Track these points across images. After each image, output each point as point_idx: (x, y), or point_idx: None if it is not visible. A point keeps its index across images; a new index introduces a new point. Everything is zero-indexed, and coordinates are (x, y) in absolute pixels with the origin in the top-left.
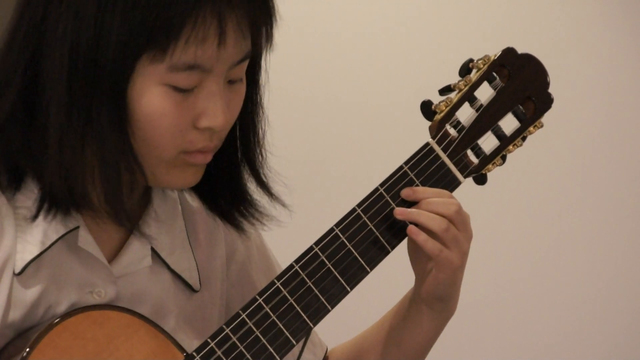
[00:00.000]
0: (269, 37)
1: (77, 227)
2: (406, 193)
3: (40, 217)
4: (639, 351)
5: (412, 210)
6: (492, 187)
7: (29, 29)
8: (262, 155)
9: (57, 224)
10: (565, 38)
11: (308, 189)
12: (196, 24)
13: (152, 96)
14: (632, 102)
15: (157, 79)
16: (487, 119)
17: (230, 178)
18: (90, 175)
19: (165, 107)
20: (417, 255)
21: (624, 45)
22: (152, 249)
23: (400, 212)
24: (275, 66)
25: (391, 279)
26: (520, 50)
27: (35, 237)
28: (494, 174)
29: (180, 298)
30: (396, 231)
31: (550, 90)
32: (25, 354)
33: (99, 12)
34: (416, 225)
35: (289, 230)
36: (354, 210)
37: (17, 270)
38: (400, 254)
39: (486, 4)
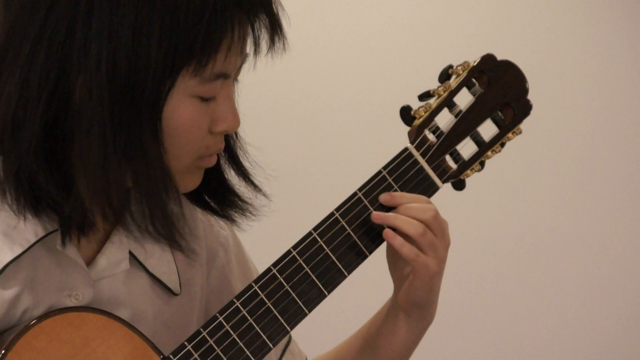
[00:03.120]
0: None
1: (56, 230)
2: (384, 198)
3: (20, 220)
4: (626, 350)
5: (389, 214)
6: (472, 192)
7: (51, 51)
8: (243, 148)
9: (37, 227)
10: (549, 41)
11: (288, 186)
12: (233, 38)
13: (183, 109)
14: (614, 107)
15: (189, 92)
16: (466, 124)
17: (215, 172)
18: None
19: (193, 117)
20: (395, 261)
21: (609, 47)
22: (131, 253)
23: (377, 216)
24: (260, 65)
25: (376, 286)
26: (501, 55)
27: (12, 238)
28: (473, 179)
29: (158, 302)
30: (374, 236)
31: (530, 95)
32: (0, 356)
33: (135, 33)
34: (394, 230)
35: (267, 229)
36: (332, 214)
37: None
38: (384, 261)
39: (467, 10)
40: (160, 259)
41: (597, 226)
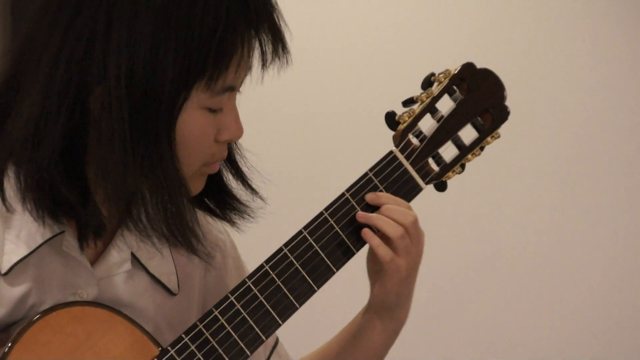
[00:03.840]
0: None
1: (63, 232)
2: (370, 197)
3: (32, 221)
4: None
5: (373, 214)
6: (453, 193)
7: (71, 64)
8: (241, 154)
9: (44, 228)
10: (528, 48)
11: (283, 190)
12: (243, 53)
13: (195, 120)
14: (593, 112)
15: (200, 104)
16: (447, 129)
17: (215, 177)
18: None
19: (203, 128)
20: (373, 263)
21: (588, 53)
22: (133, 255)
23: (361, 216)
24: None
25: (362, 289)
26: (481, 62)
27: (22, 239)
28: (454, 181)
29: (158, 300)
30: (361, 234)
31: (509, 101)
32: (7, 349)
33: (152, 48)
34: (375, 231)
35: (264, 229)
36: (321, 214)
37: (3, 271)
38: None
39: (450, 20)
40: (160, 261)
41: (575, 226)
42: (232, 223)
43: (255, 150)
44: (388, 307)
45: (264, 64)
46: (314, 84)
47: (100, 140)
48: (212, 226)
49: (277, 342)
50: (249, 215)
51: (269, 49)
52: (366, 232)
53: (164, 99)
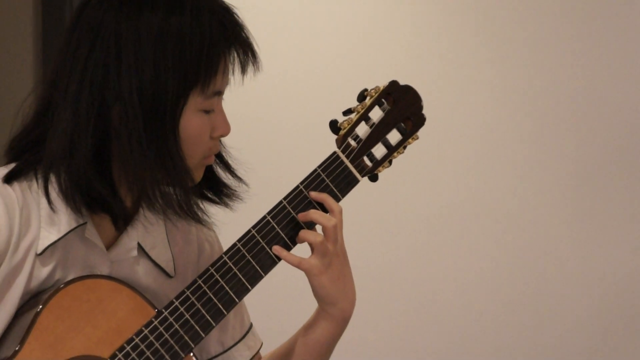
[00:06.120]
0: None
1: (85, 223)
2: (313, 195)
3: (65, 215)
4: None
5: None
6: (385, 184)
7: (93, 88)
8: (226, 151)
9: (70, 219)
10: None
11: (261, 177)
12: (227, 61)
13: (194, 120)
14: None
15: (197, 107)
16: (378, 133)
17: (208, 170)
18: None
19: (201, 127)
20: None
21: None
22: (139, 244)
23: (301, 216)
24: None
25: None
26: (403, 81)
27: (53, 227)
28: (383, 174)
29: (158, 281)
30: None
31: (425, 111)
32: (39, 309)
33: (155, 68)
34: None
35: (248, 209)
36: (280, 202)
37: (38, 251)
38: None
39: (379, 48)
40: (160, 250)
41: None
42: (226, 205)
43: (239, 146)
44: (330, 300)
45: (242, 70)
46: (281, 96)
47: (121, 144)
48: (202, 227)
49: (251, 325)
50: (237, 197)
51: (244, 58)
52: (277, 250)
53: (168, 106)
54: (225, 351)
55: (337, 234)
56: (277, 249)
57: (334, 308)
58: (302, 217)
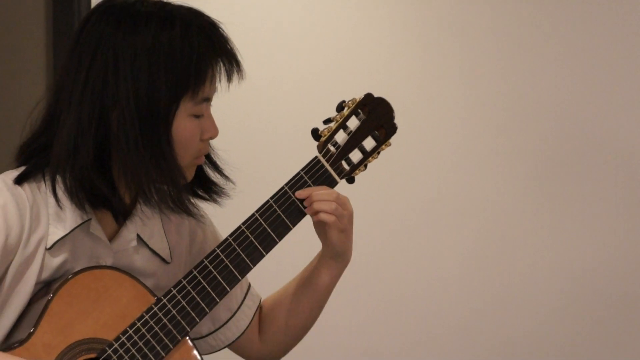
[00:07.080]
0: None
1: (90, 219)
2: (299, 194)
3: (71, 212)
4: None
5: (312, 194)
6: (361, 185)
7: (94, 96)
8: (214, 152)
9: (76, 216)
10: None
11: (247, 176)
12: (214, 71)
13: (185, 124)
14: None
15: (188, 112)
16: (354, 140)
17: (198, 170)
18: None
19: (192, 130)
20: (319, 229)
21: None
22: (138, 235)
23: (301, 194)
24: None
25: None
26: (377, 93)
27: (60, 224)
28: (360, 177)
29: (157, 268)
30: (297, 214)
31: (396, 120)
32: (50, 297)
33: (149, 77)
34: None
35: (235, 204)
36: (267, 202)
37: (48, 246)
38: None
39: (357, 61)
40: (157, 239)
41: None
42: (215, 201)
43: (225, 148)
44: (337, 253)
45: (228, 78)
46: (265, 104)
47: (120, 146)
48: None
49: (249, 285)
50: (225, 194)
51: (229, 68)
52: (312, 208)
53: (161, 111)
54: (233, 315)
55: (339, 197)
56: (312, 208)
57: (343, 256)
58: (299, 194)
